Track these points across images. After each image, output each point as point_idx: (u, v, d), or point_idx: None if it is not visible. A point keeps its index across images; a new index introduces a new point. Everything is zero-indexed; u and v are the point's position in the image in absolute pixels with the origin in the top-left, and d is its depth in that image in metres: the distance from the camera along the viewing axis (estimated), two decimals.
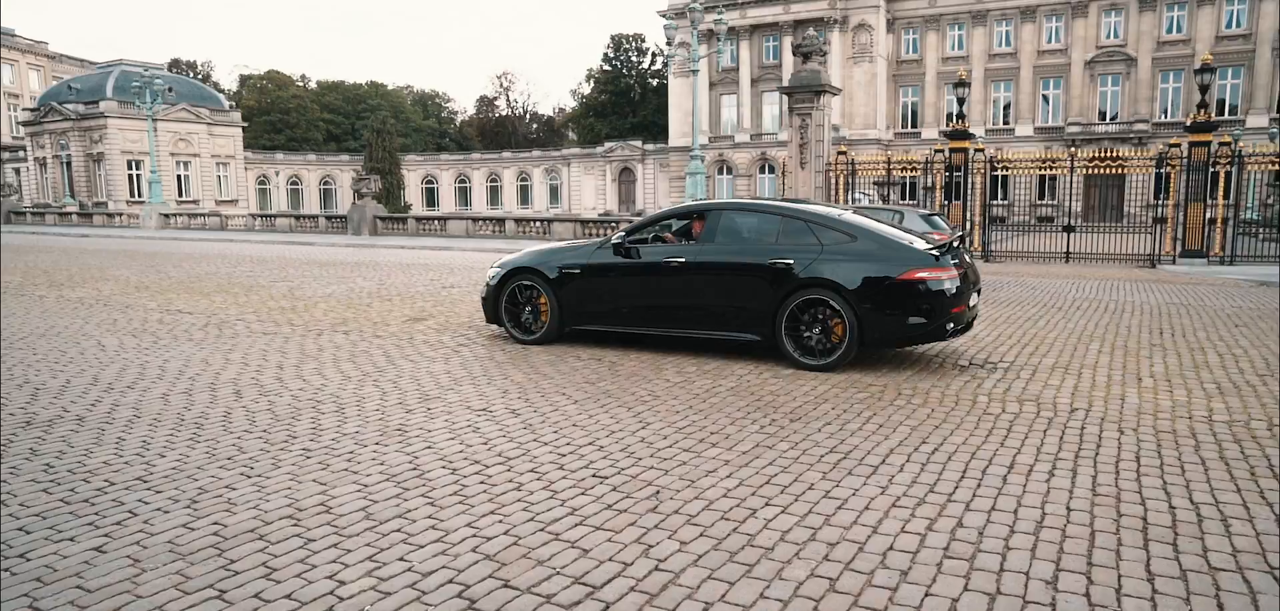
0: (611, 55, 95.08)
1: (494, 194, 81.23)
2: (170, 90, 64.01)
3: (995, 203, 47.61)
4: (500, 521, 4.44)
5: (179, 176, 65.89)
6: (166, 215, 41.77)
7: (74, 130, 63.50)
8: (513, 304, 9.68)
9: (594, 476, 5.14)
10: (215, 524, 4.37)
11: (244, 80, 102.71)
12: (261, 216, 41.11)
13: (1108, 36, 60.92)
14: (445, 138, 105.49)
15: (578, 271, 9.35)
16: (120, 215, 45.05)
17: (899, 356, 9.00)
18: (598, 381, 7.71)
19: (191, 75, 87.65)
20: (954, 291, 8.02)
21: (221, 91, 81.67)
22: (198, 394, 7.20)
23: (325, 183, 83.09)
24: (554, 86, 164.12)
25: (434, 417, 6.44)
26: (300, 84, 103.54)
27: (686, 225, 9.41)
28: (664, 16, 73.09)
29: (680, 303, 8.86)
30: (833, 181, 27.67)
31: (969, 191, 26.23)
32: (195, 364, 8.48)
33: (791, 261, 8.28)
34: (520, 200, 79.94)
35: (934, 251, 8.17)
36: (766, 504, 4.75)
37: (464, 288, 15.39)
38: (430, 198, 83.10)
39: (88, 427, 6.17)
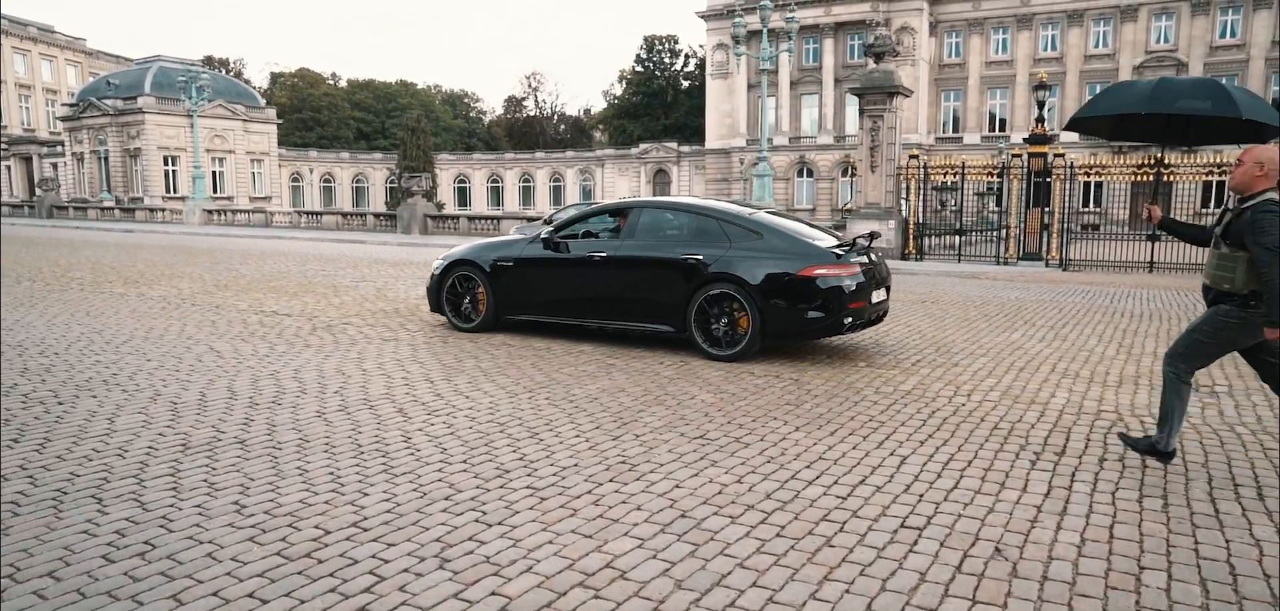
0: (644, 57, 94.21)
1: (526, 194, 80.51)
2: (206, 87, 63.76)
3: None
4: (849, 591, 3.55)
5: (214, 172, 65.58)
6: (210, 211, 41.17)
7: (112, 125, 63.32)
8: (453, 294, 10.18)
9: (903, 526, 4.26)
10: (496, 595, 3.50)
11: (275, 78, 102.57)
12: (307, 213, 40.35)
13: (1157, 41, 59.56)
14: (474, 137, 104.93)
15: (511, 264, 9.82)
16: (162, 211, 44.51)
17: (1097, 375, 8.08)
18: (797, 402, 6.82)
19: (224, 72, 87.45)
20: (853, 288, 8.36)
21: (253, 89, 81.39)
22: (357, 413, 6.36)
23: (358, 181, 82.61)
24: (581, 88, 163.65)
25: (652, 448, 5.56)
26: (331, 82, 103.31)
27: (613, 222, 9.68)
28: (705, 17, 72.26)
29: (602, 294, 9.26)
30: (904, 184, 26.71)
31: (1050, 197, 25.20)
32: (330, 374, 7.65)
33: (702, 257, 8.64)
34: (553, 200, 79.14)
35: (836, 249, 8.59)
36: (1139, 565, 3.86)
37: None
38: (462, 197, 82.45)
39: (255, 454, 5.33)
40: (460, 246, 10.64)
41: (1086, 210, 51.50)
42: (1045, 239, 25.23)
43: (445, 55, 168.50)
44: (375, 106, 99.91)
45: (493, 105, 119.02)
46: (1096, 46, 61.53)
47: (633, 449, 5.51)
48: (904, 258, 25.98)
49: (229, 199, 62.60)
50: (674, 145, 75.49)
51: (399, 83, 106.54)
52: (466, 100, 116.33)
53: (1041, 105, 26.50)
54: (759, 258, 8.46)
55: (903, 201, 26.82)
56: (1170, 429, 5.06)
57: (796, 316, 8.32)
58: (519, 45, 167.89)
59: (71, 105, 68.24)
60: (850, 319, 8.39)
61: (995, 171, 26.45)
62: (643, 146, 76.27)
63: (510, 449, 5.48)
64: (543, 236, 9.72)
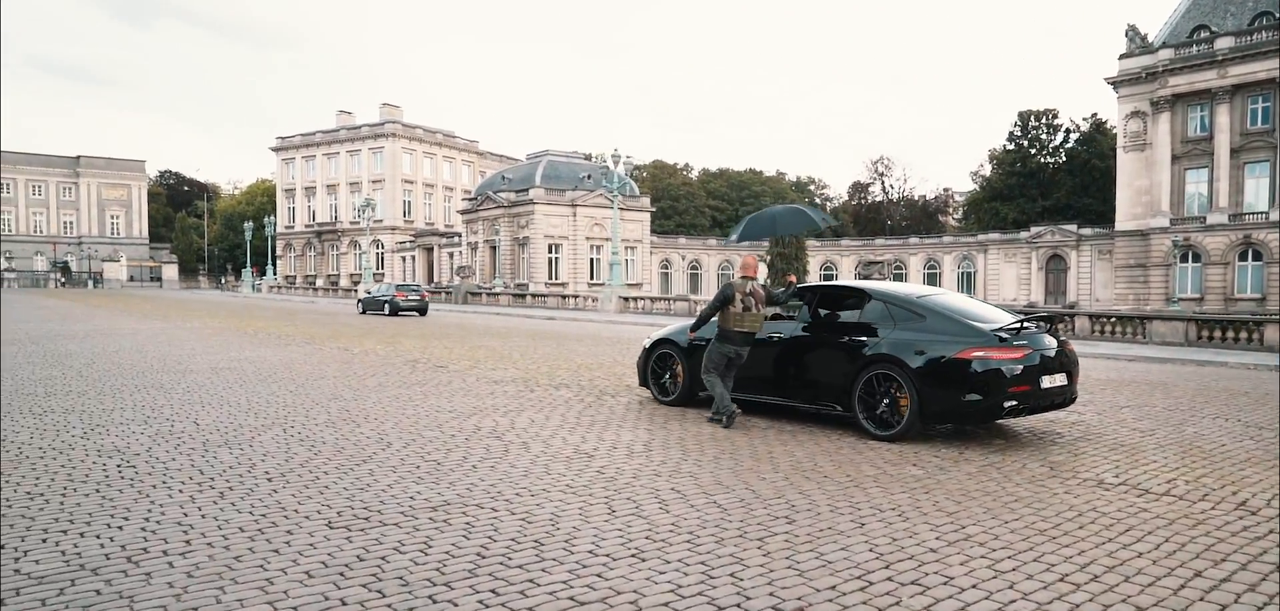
0: (1017, 134, 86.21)
1: (897, 281, 75.32)
2: (588, 177, 65.85)
3: None
4: None
5: (591, 259, 67.25)
6: (625, 298, 40.38)
7: (504, 217, 67.00)
8: (657, 370, 10.62)
9: None
10: None
11: (631, 170, 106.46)
12: None
13: None
14: None
15: (703, 344, 9.87)
16: (577, 297, 44.75)
17: None
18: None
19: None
20: (1015, 373, 8.04)
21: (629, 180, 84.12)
22: None
23: (723, 267, 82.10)
24: (931, 171, 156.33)
25: None
26: (684, 172, 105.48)
27: (797, 305, 9.83)
28: (1116, 83, 63.64)
29: (779, 374, 9.44)
30: None
31: None
32: None
33: (864, 338, 8.70)
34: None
35: (1000, 332, 8.26)
36: None
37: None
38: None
39: None
40: (664, 328, 11.17)
41: None
42: None
43: (786, 142, 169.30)
44: (728, 194, 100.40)
45: (838, 191, 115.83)
46: None
47: None
48: None
49: (602, 286, 63.74)
50: (1072, 228, 67.00)
51: (749, 171, 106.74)
52: (813, 187, 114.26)
53: None
54: (919, 339, 8.40)
55: None
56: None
57: (953, 399, 8.16)
58: (846, 133, 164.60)
59: (469, 199, 73.55)
60: (1012, 403, 8.06)
61: None
62: (1035, 230, 68.50)
63: None
64: None
